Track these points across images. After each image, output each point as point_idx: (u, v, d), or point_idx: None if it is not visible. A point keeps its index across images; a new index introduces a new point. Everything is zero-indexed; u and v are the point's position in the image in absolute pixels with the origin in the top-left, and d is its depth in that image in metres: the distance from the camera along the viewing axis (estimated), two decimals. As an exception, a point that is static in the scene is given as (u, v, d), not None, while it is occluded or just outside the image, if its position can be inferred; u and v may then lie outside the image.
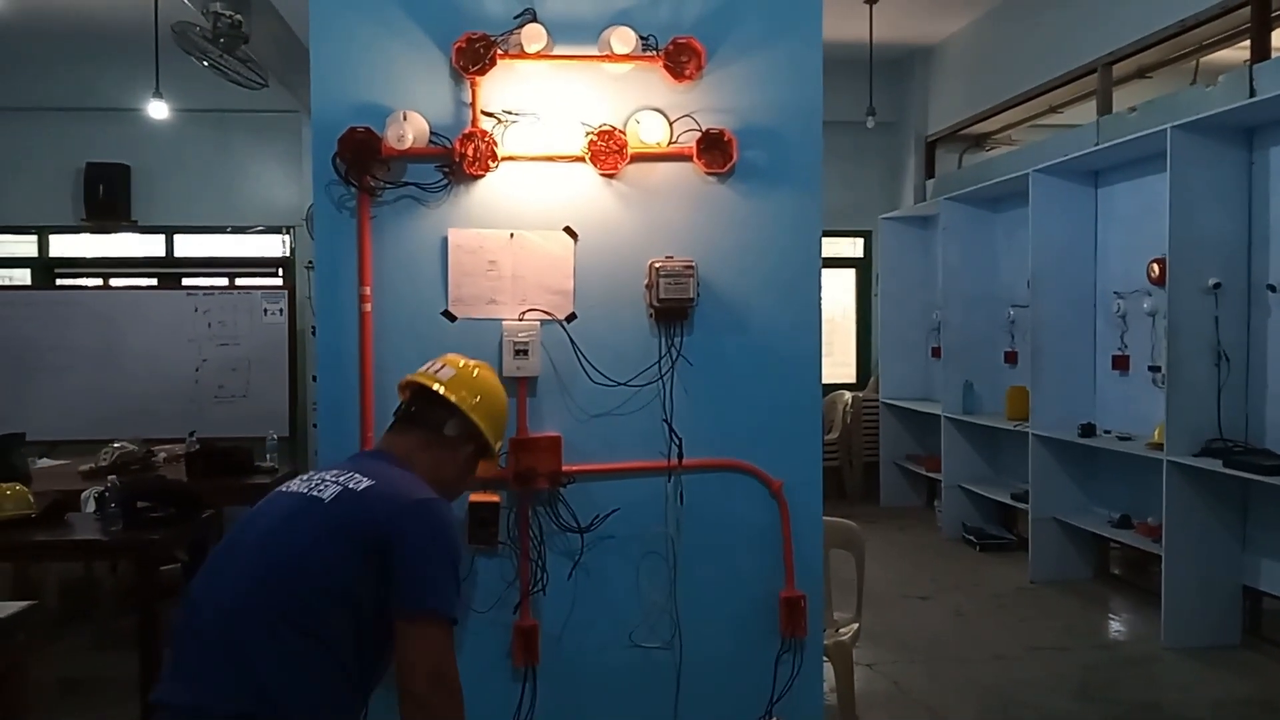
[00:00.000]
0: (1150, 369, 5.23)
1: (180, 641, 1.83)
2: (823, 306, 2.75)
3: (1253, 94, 4.42)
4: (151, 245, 8.31)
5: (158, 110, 6.55)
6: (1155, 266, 5.10)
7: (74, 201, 7.84)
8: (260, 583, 1.80)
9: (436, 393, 2.16)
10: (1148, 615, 4.97)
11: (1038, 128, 7.40)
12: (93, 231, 8.12)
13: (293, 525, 1.85)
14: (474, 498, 2.58)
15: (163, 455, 5.19)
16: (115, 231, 8.13)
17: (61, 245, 8.29)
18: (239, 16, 4.73)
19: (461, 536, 2.00)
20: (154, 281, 8.21)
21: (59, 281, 8.16)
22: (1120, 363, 5.53)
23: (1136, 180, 5.39)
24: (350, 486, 1.87)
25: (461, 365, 2.26)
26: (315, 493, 1.88)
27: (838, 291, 8.91)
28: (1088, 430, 5.46)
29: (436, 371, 2.22)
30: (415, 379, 2.22)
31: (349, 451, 2.56)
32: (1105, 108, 5.84)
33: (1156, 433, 4.84)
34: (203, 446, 5.04)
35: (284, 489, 2.00)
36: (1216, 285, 4.56)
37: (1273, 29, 4.75)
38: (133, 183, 7.89)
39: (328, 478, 1.93)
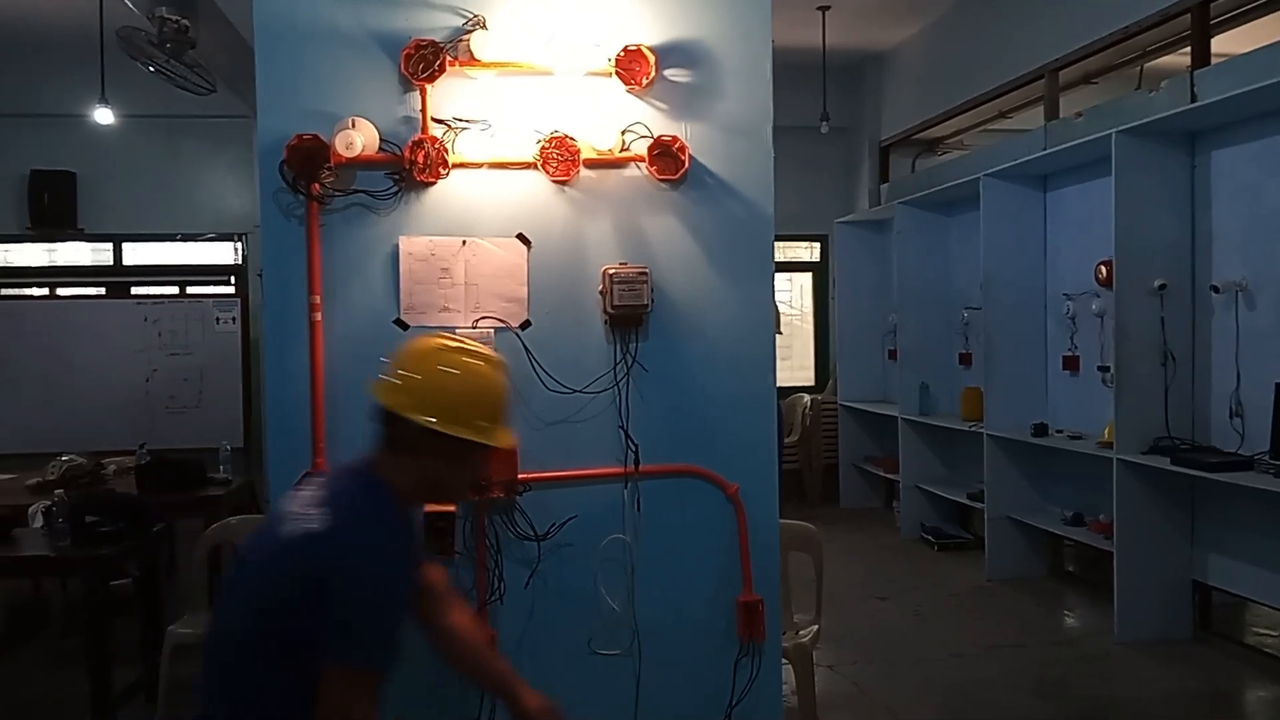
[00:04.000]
0: (1099, 369, 5.32)
1: (204, 660, 1.93)
2: (784, 310, 2.77)
3: (1194, 99, 4.52)
4: (99, 254, 8.15)
5: (103, 116, 6.42)
6: (1103, 268, 5.19)
7: (18, 210, 7.66)
8: (233, 608, 1.89)
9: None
10: (1101, 611, 5.05)
11: (988, 132, 7.51)
12: (38, 240, 7.94)
13: (268, 567, 1.88)
14: (429, 507, 2.55)
15: (112, 468, 5.08)
16: (61, 240, 7.96)
17: (5, 255, 8.10)
18: (185, 21, 4.67)
19: (402, 581, 1.86)
20: (102, 291, 8.04)
21: (3, 292, 7.96)
22: (1070, 363, 5.63)
23: (1084, 184, 5.49)
24: (305, 526, 1.81)
25: (401, 358, 1.96)
26: (284, 526, 1.87)
27: (795, 295, 8.99)
28: (1040, 430, 5.55)
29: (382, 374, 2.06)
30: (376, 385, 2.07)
31: (301, 463, 2.54)
32: (1052, 113, 5.94)
33: (1106, 431, 4.93)
34: (154, 459, 4.94)
35: (279, 507, 2.02)
36: (1162, 286, 4.65)
37: (1213, 35, 4.86)
38: (79, 190, 7.72)
39: (302, 503, 1.88)
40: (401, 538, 1.89)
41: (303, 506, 1.87)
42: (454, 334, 2.58)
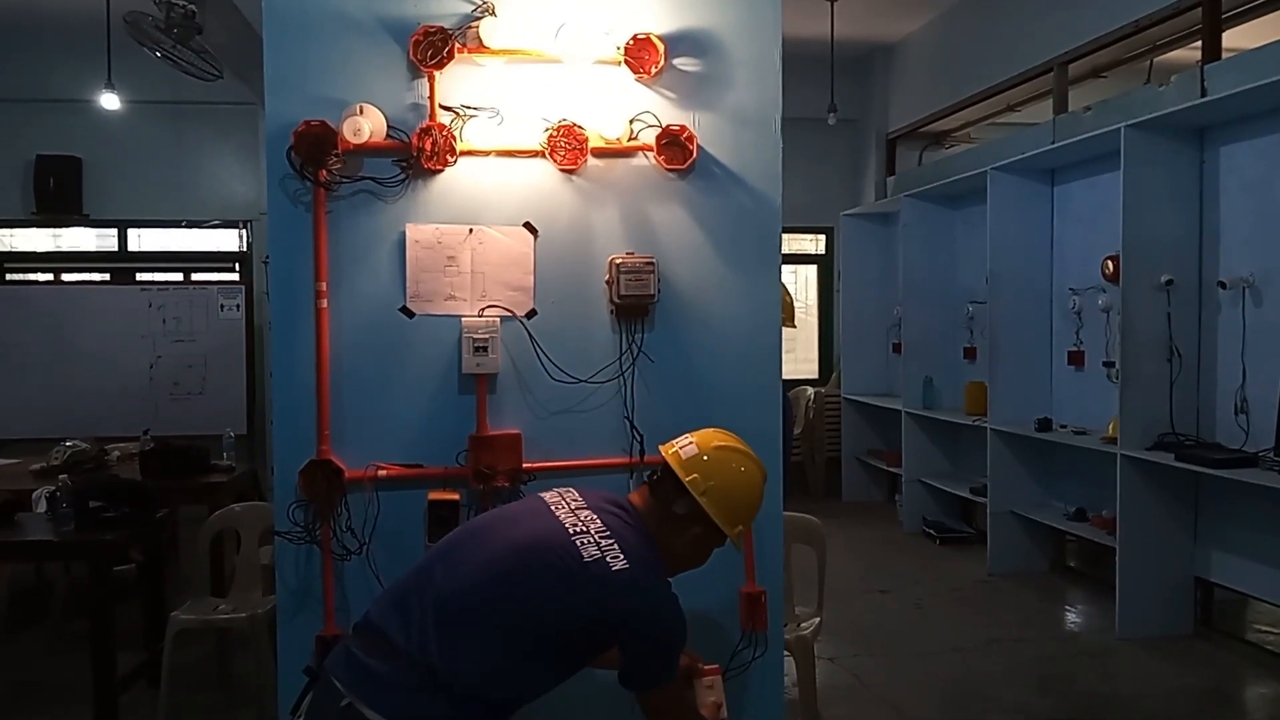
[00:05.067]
0: (1105, 364, 5.31)
1: (408, 584, 2.02)
2: (794, 301, 2.76)
3: (1204, 94, 4.50)
4: (104, 240, 8.15)
5: (110, 102, 6.42)
6: (1109, 263, 5.17)
7: (24, 195, 7.66)
8: (489, 591, 1.94)
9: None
10: (1103, 607, 5.05)
11: (996, 125, 7.49)
12: (43, 225, 7.94)
13: (541, 561, 1.96)
14: (433, 495, 2.56)
15: (116, 454, 5.09)
16: (67, 225, 7.96)
17: (11, 240, 8.10)
18: (193, 7, 4.65)
19: (684, 619, 2.05)
20: (107, 277, 8.05)
21: (9, 277, 7.97)
22: (1076, 358, 5.62)
23: (1091, 178, 5.47)
24: (608, 561, 1.95)
25: (708, 444, 2.16)
26: (577, 539, 1.97)
27: (800, 287, 8.97)
28: (1044, 425, 5.54)
29: (682, 446, 2.16)
30: (662, 448, 2.20)
31: (306, 451, 2.54)
32: (1061, 107, 5.92)
33: (1111, 427, 4.92)
34: (157, 445, 4.95)
35: (550, 503, 2.08)
36: (1169, 282, 4.64)
37: (1224, 30, 4.84)
38: (84, 176, 7.72)
39: (592, 529, 2.00)
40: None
41: (595, 535, 1.98)
42: (463, 322, 2.58)
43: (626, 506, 2.11)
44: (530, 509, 2.10)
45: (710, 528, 2.11)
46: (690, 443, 2.16)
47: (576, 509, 2.06)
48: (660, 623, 1.98)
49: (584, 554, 1.95)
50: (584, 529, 2.00)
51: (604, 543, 1.98)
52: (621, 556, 1.96)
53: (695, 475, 2.09)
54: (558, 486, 2.20)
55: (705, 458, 2.12)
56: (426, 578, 1.99)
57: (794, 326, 3.53)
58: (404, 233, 2.58)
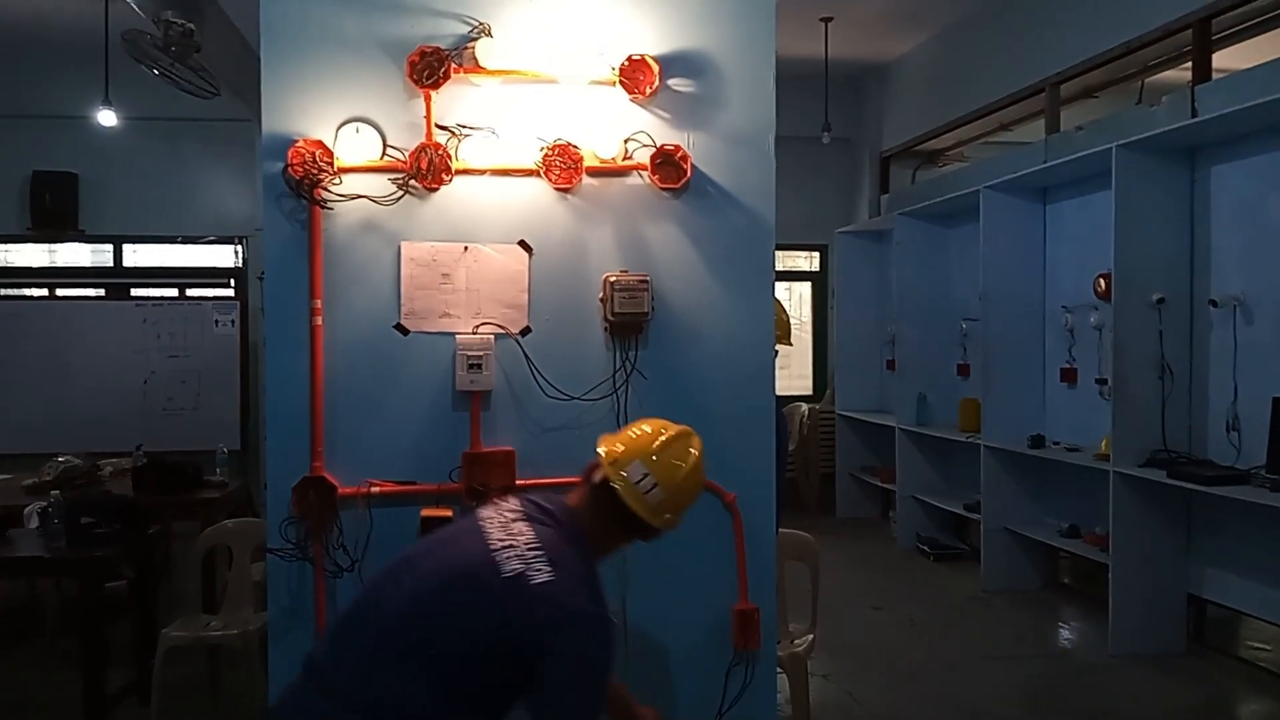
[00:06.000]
0: (1097, 381, 5.33)
1: (347, 618, 1.98)
2: (790, 318, 2.76)
3: (1194, 114, 4.54)
4: (99, 255, 8.15)
5: (107, 118, 6.44)
6: (1101, 281, 5.20)
7: (19, 210, 7.66)
8: (414, 617, 1.89)
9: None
10: (1096, 624, 5.05)
11: (989, 144, 7.53)
12: (38, 241, 7.94)
13: (463, 582, 1.90)
14: (426, 512, 2.56)
15: (109, 469, 5.08)
16: (62, 241, 7.96)
17: (6, 255, 8.10)
18: (191, 25, 4.67)
19: (614, 644, 1.97)
20: (101, 292, 8.05)
21: (3, 292, 7.97)
22: (1068, 375, 5.64)
23: (1083, 197, 5.51)
24: (529, 574, 1.87)
25: (639, 438, 2.14)
26: (500, 554, 1.91)
27: (794, 304, 8.99)
28: (1037, 441, 5.56)
29: (617, 441, 2.15)
30: (600, 442, 2.18)
31: (299, 468, 2.54)
32: (1053, 126, 5.96)
33: (1103, 444, 4.94)
34: (150, 460, 4.94)
35: (483, 519, 2.03)
36: (1160, 300, 4.66)
37: (1214, 51, 4.88)
38: (80, 191, 7.73)
39: (520, 543, 1.93)
40: (607, 609, 1.99)
41: (520, 547, 1.91)
42: (457, 339, 2.59)
43: (559, 512, 2.06)
44: (463, 529, 2.04)
45: (636, 522, 2.07)
46: (630, 435, 2.15)
47: (511, 520, 2.00)
48: (581, 639, 1.85)
49: (504, 569, 1.88)
50: (510, 543, 1.93)
51: (529, 554, 1.90)
52: (546, 569, 1.88)
53: (621, 472, 2.06)
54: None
55: (650, 452, 2.10)
56: (362, 611, 1.95)
57: (790, 344, 3.52)
58: (399, 250, 2.60)
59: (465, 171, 2.59)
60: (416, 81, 2.55)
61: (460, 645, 1.85)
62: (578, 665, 1.85)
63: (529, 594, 1.85)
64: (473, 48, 2.58)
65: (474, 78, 2.60)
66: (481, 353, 2.60)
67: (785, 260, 8.88)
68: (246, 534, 3.90)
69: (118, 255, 8.11)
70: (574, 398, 2.64)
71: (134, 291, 7.94)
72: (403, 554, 2.05)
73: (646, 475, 2.06)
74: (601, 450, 2.12)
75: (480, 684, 1.86)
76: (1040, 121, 6.20)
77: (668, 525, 2.11)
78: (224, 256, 8.15)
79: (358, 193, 2.57)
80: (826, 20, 7.01)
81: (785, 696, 3.31)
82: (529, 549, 1.92)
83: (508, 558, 1.90)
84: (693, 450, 2.16)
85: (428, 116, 2.58)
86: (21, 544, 3.68)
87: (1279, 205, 4.32)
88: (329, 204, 2.55)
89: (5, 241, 7.96)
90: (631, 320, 2.63)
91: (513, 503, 2.08)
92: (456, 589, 1.89)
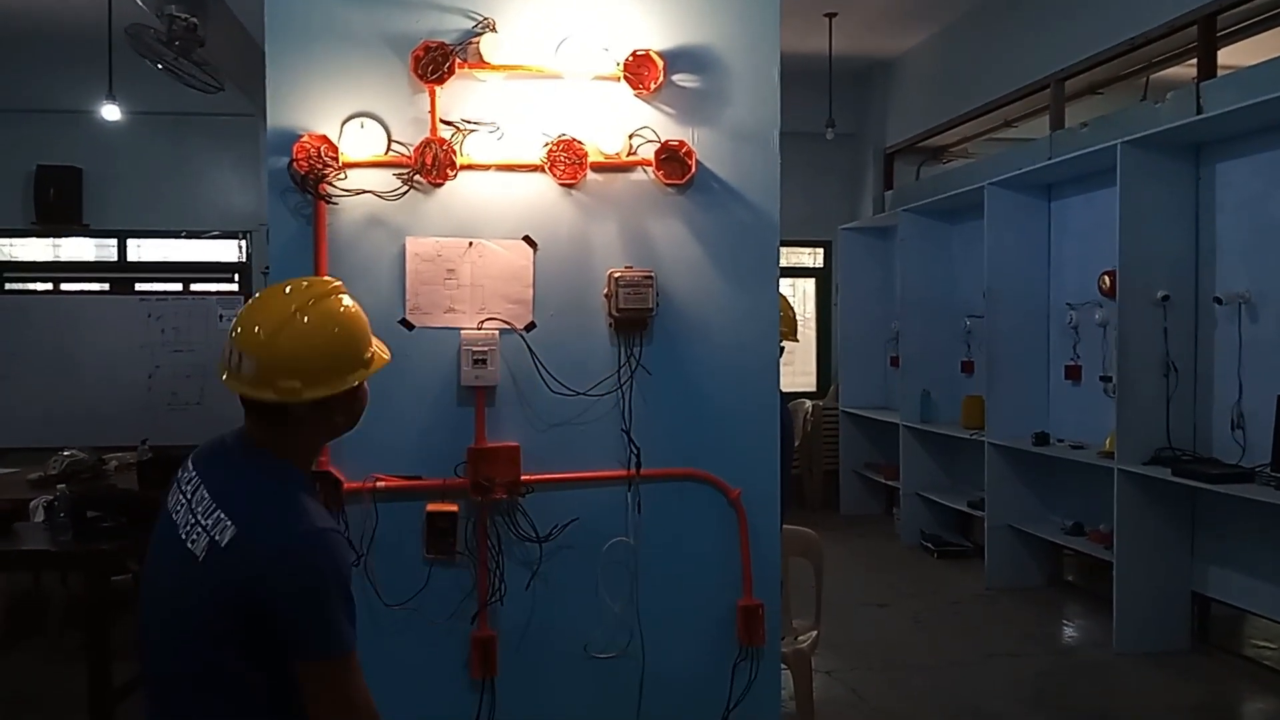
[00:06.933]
0: (1101, 379, 5.33)
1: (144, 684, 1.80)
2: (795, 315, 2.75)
3: (1200, 111, 4.53)
4: (104, 250, 8.16)
5: (111, 113, 6.45)
6: (1106, 278, 5.19)
7: (24, 205, 7.68)
8: (168, 651, 1.72)
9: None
10: (1100, 621, 5.05)
11: (993, 141, 7.52)
12: (43, 235, 7.96)
13: (177, 591, 1.72)
14: (431, 507, 2.57)
15: (114, 464, 5.09)
16: (66, 235, 7.98)
17: (11, 250, 8.12)
18: (194, 20, 4.67)
19: (346, 555, 1.73)
20: (106, 286, 8.06)
21: (8, 286, 7.98)
22: (1073, 372, 5.63)
23: (1088, 194, 5.50)
24: (216, 539, 1.67)
25: (253, 335, 1.81)
26: (188, 540, 1.70)
27: (798, 301, 8.99)
28: (1041, 439, 5.55)
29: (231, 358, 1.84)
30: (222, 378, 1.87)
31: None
32: (1058, 123, 5.95)
33: (1108, 441, 4.93)
34: (155, 455, 4.94)
35: (170, 511, 1.80)
36: (1165, 298, 4.65)
37: (1219, 47, 4.87)
38: (84, 186, 7.74)
39: (199, 512, 1.72)
40: (324, 513, 1.77)
41: (199, 516, 1.71)
42: (462, 334, 2.59)
43: (243, 444, 1.80)
44: (160, 540, 1.80)
45: (343, 394, 1.78)
46: (244, 349, 1.81)
47: (191, 496, 1.76)
48: (295, 567, 1.63)
49: (196, 553, 1.68)
50: (193, 520, 1.71)
51: (209, 521, 1.69)
52: (228, 522, 1.66)
53: (278, 382, 1.72)
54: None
55: (265, 352, 1.77)
56: (144, 665, 1.77)
57: (797, 340, 3.51)
58: (404, 245, 2.60)
59: (470, 167, 2.59)
60: (421, 77, 2.55)
61: (225, 659, 1.66)
62: (303, 594, 1.64)
63: (223, 559, 1.65)
64: (477, 43, 2.58)
65: (479, 73, 2.60)
66: (486, 348, 2.60)
67: (789, 256, 8.87)
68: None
69: (122, 250, 8.13)
70: (579, 393, 2.64)
71: (138, 286, 7.96)
72: (143, 597, 1.81)
73: (286, 347, 1.75)
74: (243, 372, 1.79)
75: (268, 686, 1.68)
76: (1045, 118, 6.19)
77: (365, 373, 1.81)
78: (228, 251, 8.17)
79: (362, 188, 2.57)
80: (831, 16, 7.00)
81: (790, 693, 3.32)
82: (207, 514, 1.69)
83: (195, 538, 1.69)
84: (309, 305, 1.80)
85: (432, 112, 2.58)
86: (27, 538, 3.68)
87: (1285, 202, 4.31)
88: (334, 199, 2.55)
89: (10, 236, 7.98)
90: (636, 316, 2.63)
91: (190, 472, 1.81)
92: (180, 611, 1.70)
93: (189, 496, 1.77)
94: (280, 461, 1.77)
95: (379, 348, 1.87)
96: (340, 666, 1.68)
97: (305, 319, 1.78)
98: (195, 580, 1.67)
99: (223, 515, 1.68)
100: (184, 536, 1.72)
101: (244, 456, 1.79)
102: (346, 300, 1.85)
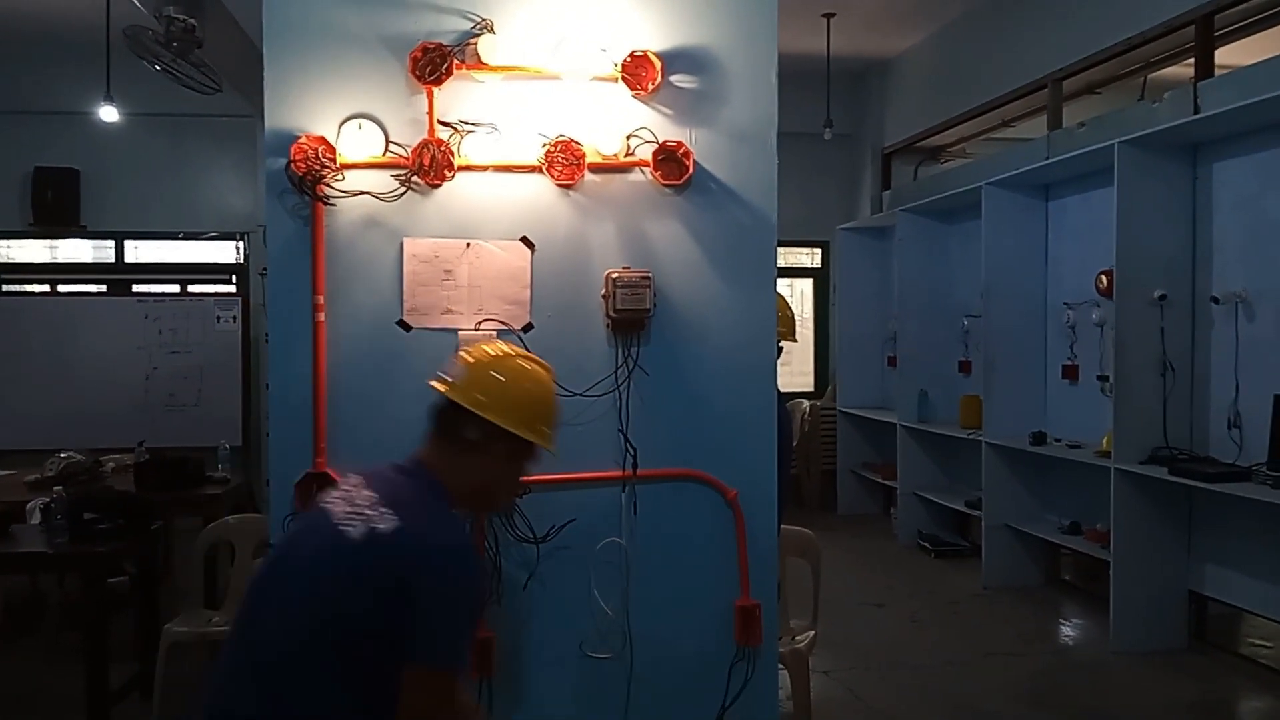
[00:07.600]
0: (1099, 378, 5.33)
1: (228, 654, 1.82)
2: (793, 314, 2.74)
3: (1197, 111, 4.54)
4: (101, 251, 8.15)
5: (108, 114, 6.44)
6: (1103, 278, 5.20)
7: (21, 206, 7.67)
8: (302, 628, 1.76)
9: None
10: (1097, 620, 5.06)
11: (991, 141, 7.53)
12: (40, 237, 7.95)
13: (328, 567, 1.78)
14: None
15: (111, 465, 5.08)
16: (64, 237, 7.97)
17: (8, 251, 8.11)
18: (193, 21, 4.67)
19: (481, 580, 1.83)
20: (103, 288, 8.05)
21: (5, 288, 7.97)
22: (1070, 372, 5.64)
23: (1085, 194, 5.50)
24: (377, 526, 1.76)
25: (474, 360, 1.99)
26: (343, 525, 1.79)
27: (796, 301, 8.99)
28: (1039, 438, 5.56)
29: (449, 371, 1.99)
30: (431, 381, 2.02)
31: (301, 463, 2.54)
32: (1055, 123, 5.95)
33: (1105, 441, 4.94)
34: (152, 456, 4.95)
35: (325, 507, 1.89)
36: (1162, 297, 4.66)
37: (1216, 47, 4.88)
38: (82, 187, 7.73)
39: (360, 504, 1.82)
40: (470, 539, 1.87)
41: (362, 508, 1.80)
42: (459, 335, 2.59)
43: (410, 466, 1.92)
44: (309, 525, 1.90)
45: (510, 441, 1.90)
46: (456, 364, 1.98)
47: (352, 493, 1.87)
48: (441, 572, 1.72)
49: (350, 534, 1.76)
50: (353, 511, 1.81)
51: (370, 512, 1.79)
52: (391, 513, 1.77)
53: (474, 393, 1.89)
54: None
55: (488, 366, 1.96)
56: (239, 642, 1.82)
57: (795, 340, 3.51)
58: (401, 246, 2.60)
59: (467, 168, 2.59)
60: (419, 78, 2.55)
61: (349, 628, 1.72)
62: (441, 599, 1.71)
63: (380, 545, 1.74)
64: (475, 44, 2.58)
65: (476, 74, 2.60)
66: (484, 349, 2.60)
67: (787, 257, 8.88)
68: (249, 530, 3.91)
69: (119, 251, 8.12)
70: (576, 394, 2.64)
71: (136, 287, 7.94)
72: (261, 573, 1.91)
73: (492, 394, 1.90)
74: (449, 376, 1.96)
75: (375, 663, 1.73)
76: (1042, 118, 6.20)
77: (547, 440, 1.96)
78: (226, 252, 8.16)
79: (360, 189, 2.57)
80: (829, 16, 7.00)
81: (787, 693, 3.32)
82: (370, 505, 1.80)
83: (351, 524, 1.78)
84: (528, 360, 2.03)
85: (430, 113, 2.58)
86: (24, 539, 3.69)
87: (1281, 202, 4.32)
88: (331, 200, 2.55)
89: (7, 237, 7.97)
90: (634, 316, 2.63)
91: (357, 477, 1.93)
92: (321, 580, 1.76)
93: (349, 492, 1.87)
94: (439, 485, 1.89)
95: (554, 441, 2.01)
96: (446, 681, 1.74)
97: (527, 365, 2.01)
98: (345, 556, 1.75)
99: (387, 510, 1.79)
100: (338, 523, 1.80)
101: (414, 473, 1.90)
102: (554, 386, 2.07)
